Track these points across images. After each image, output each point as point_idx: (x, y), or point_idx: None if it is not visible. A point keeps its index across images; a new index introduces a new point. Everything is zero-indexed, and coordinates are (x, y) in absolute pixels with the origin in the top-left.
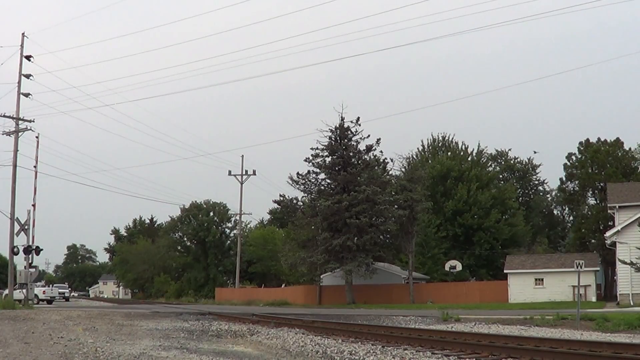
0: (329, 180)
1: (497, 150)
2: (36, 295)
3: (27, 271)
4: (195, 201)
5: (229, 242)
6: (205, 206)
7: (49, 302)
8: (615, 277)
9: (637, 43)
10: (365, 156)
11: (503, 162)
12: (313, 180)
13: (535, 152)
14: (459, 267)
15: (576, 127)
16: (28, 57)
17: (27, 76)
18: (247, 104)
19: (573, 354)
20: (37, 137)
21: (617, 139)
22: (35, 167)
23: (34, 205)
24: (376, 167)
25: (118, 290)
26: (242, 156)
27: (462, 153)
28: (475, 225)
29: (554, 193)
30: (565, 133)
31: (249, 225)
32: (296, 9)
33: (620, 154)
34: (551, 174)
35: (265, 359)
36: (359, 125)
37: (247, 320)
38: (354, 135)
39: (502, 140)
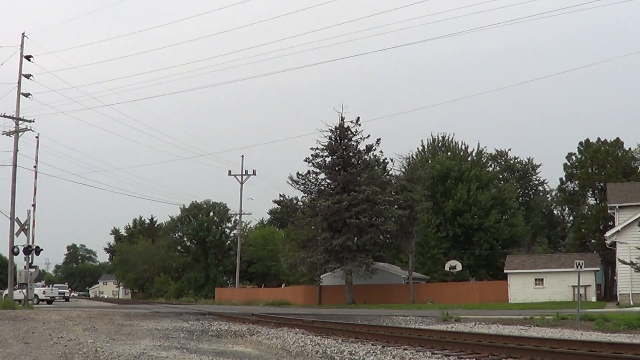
0: (329, 180)
1: (497, 150)
2: (36, 295)
3: (27, 271)
4: (195, 201)
5: (229, 242)
6: (205, 206)
7: (49, 302)
8: (615, 277)
9: (637, 43)
10: (365, 156)
11: (503, 162)
12: (313, 180)
13: None
14: (459, 267)
15: (576, 127)
16: (28, 57)
17: (27, 76)
18: (246, 104)
19: (573, 354)
20: (37, 137)
21: (617, 139)
22: (35, 167)
23: (34, 205)
24: (376, 167)
25: (118, 290)
26: (242, 156)
27: (462, 153)
28: (475, 225)
29: (554, 193)
30: (565, 133)
31: (249, 225)
32: (296, 9)
33: (620, 154)
34: (551, 174)
35: (266, 359)
36: (359, 125)
37: (247, 320)
38: (354, 135)
39: (502, 140)
